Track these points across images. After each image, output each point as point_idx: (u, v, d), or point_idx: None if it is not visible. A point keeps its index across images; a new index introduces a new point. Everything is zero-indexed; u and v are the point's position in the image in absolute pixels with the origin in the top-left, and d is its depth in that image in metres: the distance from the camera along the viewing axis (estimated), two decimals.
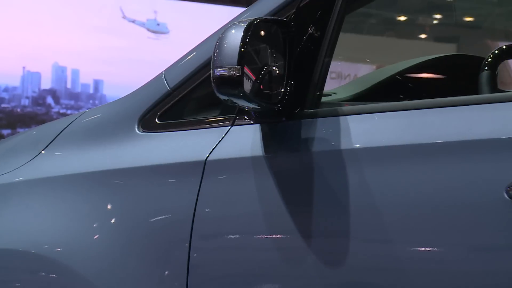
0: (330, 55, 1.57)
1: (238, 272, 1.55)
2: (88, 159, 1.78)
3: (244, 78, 1.41)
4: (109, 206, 1.68)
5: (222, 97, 1.45)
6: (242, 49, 1.40)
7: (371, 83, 2.04)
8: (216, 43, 1.45)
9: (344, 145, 1.47)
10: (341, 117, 1.51)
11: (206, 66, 1.70)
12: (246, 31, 1.42)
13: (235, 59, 1.40)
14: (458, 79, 2.26)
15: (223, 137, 1.62)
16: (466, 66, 2.28)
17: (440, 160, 1.38)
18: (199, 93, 1.74)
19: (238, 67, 1.40)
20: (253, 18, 1.48)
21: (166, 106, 1.74)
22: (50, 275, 1.71)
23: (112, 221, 1.66)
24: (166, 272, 1.60)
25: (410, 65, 2.20)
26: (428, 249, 1.37)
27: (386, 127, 1.45)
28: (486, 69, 1.85)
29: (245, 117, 1.62)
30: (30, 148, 1.92)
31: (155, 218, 1.63)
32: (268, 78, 1.50)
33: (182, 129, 1.70)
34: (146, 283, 1.61)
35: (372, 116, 1.49)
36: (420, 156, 1.39)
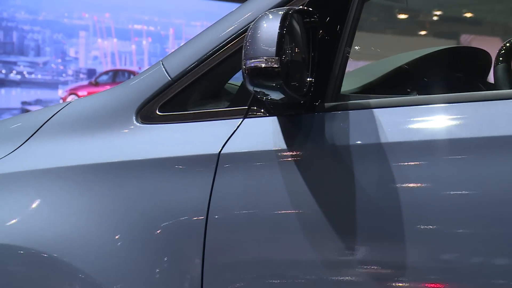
0: (349, 45, 1.54)
1: (256, 268, 1.49)
2: (82, 151, 1.68)
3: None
4: (110, 201, 1.58)
5: (254, 89, 1.40)
6: (282, 39, 1.36)
7: (378, 73, 2.01)
8: (247, 33, 1.40)
9: (368, 140, 1.44)
10: (365, 111, 1.47)
11: (211, 55, 1.64)
12: (283, 21, 1.37)
13: (273, 50, 1.35)
14: (463, 71, 2.27)
15: (236, 130, 1.55)
16: (472, 58, 2.30)
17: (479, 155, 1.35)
18: (204, 84, 1.67)
19: (277, 58, 1.35)
20: (286, 7, 1.43)
21: (168, 97, 1.66)
22: (49, 271, 1.60)
23: (115, 215, 1.57)
24: (178, 267, 1.53)
25: (417, 56, 2.18)
26: (478, 246, 1.34)
27: (417, 121, 1.43)
28: (501, 62, 1.85)
29: (259, 109, 1.56)
30: (8, 140, 1.80)
31: (164, 212, 1.55)
32: (295, 69, 1.45)
33: (187, 121, 1.63)
34: (156, 280, 1.52)
35: (398, 110, 1.46)
36: (448, 152, 1.38)
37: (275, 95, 1.41)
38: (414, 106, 1.45)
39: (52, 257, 1.57)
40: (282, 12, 1.39)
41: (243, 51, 1.40)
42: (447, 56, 2.31)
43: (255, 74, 1.37)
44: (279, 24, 1.36)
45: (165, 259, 1.53)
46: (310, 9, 1.52)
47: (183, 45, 1.75)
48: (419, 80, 2.09)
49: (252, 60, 1.37)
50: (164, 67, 1.70)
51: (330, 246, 1.43)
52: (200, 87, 1.67)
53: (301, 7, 1.52)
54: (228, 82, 1.78)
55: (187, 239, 1.53)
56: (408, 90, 2.01)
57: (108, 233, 1.56)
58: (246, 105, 1.58)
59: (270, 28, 1.37)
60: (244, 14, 1.64)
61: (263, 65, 1.36)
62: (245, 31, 1.61)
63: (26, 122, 1.87)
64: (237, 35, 1.63)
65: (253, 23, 1.41)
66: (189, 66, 1.66)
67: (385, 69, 2.04)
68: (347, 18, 1.53)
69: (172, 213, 1.54)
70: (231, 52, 1.63)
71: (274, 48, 1.35)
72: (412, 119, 1.43)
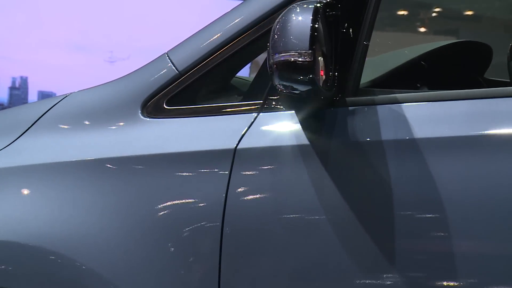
0: (368, 38, 1.50)
1: (276, 268, 1.45)
2: (84, 145, 1.61)
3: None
4: (116, 197, 1.52)
5: (283, 83, 1.37)
6: (315, 33, 1.33)
7: (390, 66, 1.98)
8: (275, 26, 1.37)
9: (393, 136, 1.41)
10: (387, 106, 1.45)
11: (221, 48, 1.59)
12: (315, 14, 1.34)
13: (306, 43, 1.32)
14: (469, 66, 2.26)
15: (251, 124, 1.51)
16: (477, 52, 2.29)
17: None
18: (213, 77, 1.62)
19: (310, 51, 1.32)
20: (312, 0, 1.39)
21: (176, 91, 1.61)
22: (54, 269, 1.53)
23: (123, 212, 1.51)
24: (193, 265, 1.48)
25: (428, 50, 2.16)
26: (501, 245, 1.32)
27: (447, 116, 1.41)
28: None
29: (275, 103, 1.52)
30: (2, 134, 1.72)
31: (177, 209, 1.49)
32: (323, 63, 1.41)
33: (198, 115, 1.58)
34: (169, 279, 1.47)
35: (422, 105, 1.44)
36: (479, 148, 1.36)
37: (304, 89, 1.37)
38: (438, 102, 1.43)
39: (57, 254, 1.51)
40: (314, 5, 1.35)
41: (269, 45, 1.36)
42: (461, 50, 2.30)
43: (286, 68, 1.34)
44: (311, 17, 1.33)
45: (180, 257, 1.47)
46: (334, 2, 1.48)
47: (190, 37, 1.69)
48: (431, 74, 2.08)
49: (282, 54, 1.33)
50: (170, 60, 1.64)
51: (353, 245, 1.40)
52: (209, 81, 1.62)
53: (325, 0, 1.48)
54: (235, 76, 1.74)
55: (202, 236, 1.47)
56: (419, 84, 1.99)
57: (116, 230, 1.50)
58: (260, 99, 1.53)
59: (301, 21, 1.33)
60: (257, 7, 1.59)
61: (294, 59, 1.33)
62: (258, 23, 1.57)
63: (21, 115, 1.79)
64: (249, 27, 1.58)
65: (280, 16, 1.38)
66: (198, 59, 1.60)
67: (395, 62, 2.01)
68: (366, 11, 1.50)
69: (185, 209, 1.49)
70: (242, 46, 1.59)
71: (307, 42, 1.32)
72: (436, 114, 1.41)
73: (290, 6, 1.38)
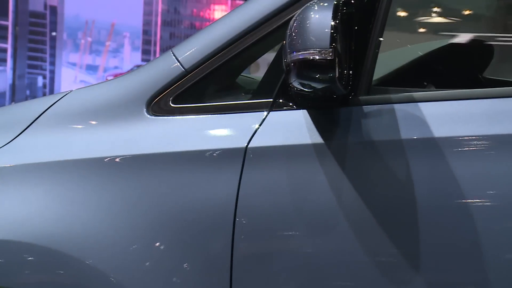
0: (380, 36, 1.49)
1: (288, 266, 1.42)
2: (87, 144, 1.57)
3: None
4: (121, 196, 1.48)
5: (301, 81, 1.35)
6: (335, 32, 1.31)
7: (399, 63, 1.96)
8: (292, 25, 1.35)
9: (408, 135, 1.40)
10: (401, 105, 1.43)
11: (229, 46, 1.56)
12: (336, 11, 1.32)
13: (326, 41, 1.31)
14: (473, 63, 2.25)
15: (262, 123, 1.48)
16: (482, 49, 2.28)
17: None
18: (220, 75, 1.59)
19: (330, 49, 1.30)
20: None
21: (182, 89, 1.57)
22: (60, 269, 1.49)
23: (132, 211, 1.47)
24: (204, 266, 1.44)
25: (437, 47, 2.15)
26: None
27: (464, 115, 1.39)
28: None
29: (286, 102, 1.49)
30: (1, 132, 1.67)
31: (187, 209, 1.46)
32: (341, 61, 1.39)
33: (205, 113, 1.54)
34: (180, 278, 1.43)
35: (436, 104, 1.43)
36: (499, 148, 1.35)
37: (321, 88, 1.35)
38: (451, 101, 1.42)
39: (63, 254, 1.47)
40: (334, 2, 1.34)
41: (286, 43, 1.35)
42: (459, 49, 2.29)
43: (305, 66, 1.32)
44: (331, 15, 1.32)
45: (190, 258, 1.44)
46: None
47: (196, 34, 1.66)
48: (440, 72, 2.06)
49: (301, 52, 1.32)
50: (175, 57, 1.61)
51: (369, 246, 1.38)
52: (217, 79, 1.59)
53: None
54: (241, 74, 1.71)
55: (213, 236, 1.45)
56: (425, 83, 1.97)
57: (122, 230, 1.46)
58: (270, 97, 1.51)
59: (321, 19, 1.32)
60: (266, 4, 1.57)
61: (314, 57, 1.31)
62: (266, 21, 1.55)
63: (19, 113, 1.74)
64: (257, 25, 1.55)
65: (297, 14, 1.36)
66: (205, 57, 1.57)
67: (401, 60, 2.00)
68: (379, 8, 1.49)
69: (196, 209, 1.46)
70: (250, 43, 1.56)
71: (328, 40, 1.31)
72: (454, 113, 1.40)
73: (307, 4, 1.37)
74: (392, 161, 1.39)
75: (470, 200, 1.33)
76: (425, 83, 1.96)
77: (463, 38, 2.38)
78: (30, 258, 1.49)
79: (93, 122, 1.59)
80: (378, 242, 1.37)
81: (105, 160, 1.52)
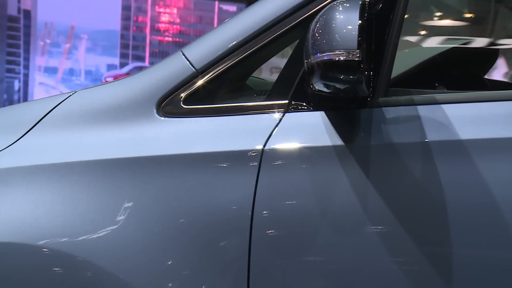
0: (397, 37, 1.48)
1: (306, 270, 1.41)
2: (97, 144, 1.54)
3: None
4: (132, 199, 1.45)
5: (325, 83, 1.33)
6: (363, 32, 1.30)
7: (411, 64, 1.95)
8: (315, 25, 1.33)
9: (429, 137, 1.39)
10: (420, 106, 1.43)
11: (241, 47, 1.55)
12: (362, 11, 1.31)
13: (354, 42, 1.29)
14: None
15: (278, 124, 1.46)
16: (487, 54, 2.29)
17: None
18: (234, 76, 1.57)
19: (358, 50, 1.28)
20: None
21: (193, 90, 1.55)
22: (69, 272, 1.46)
23: (143, 214, 1.44)
24: (221, 268, 1.42)
25: (448, 48, 2.14)
26: None
27: (486, 117, 1.38)
28: None
29: (302, 103, 1.47)
30: (4, 133, 1.63)
31: (202, 211, 1.44)
32: (365, 63, 1.38)
33: (218, 114, 1.52)
34: (197, 283, 1.41)
35: (455, 106, 1.42)
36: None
37: (345, 89, 1.33)
38: (472, 103, 1.43)
39: (71, 257, 1.44)
40: (360, 2, 1.32)
41: (309, 44, 1.33)
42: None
43: (330, 67, 1.30)
44: (358, 15, 1.30)
45: (205, 262, 1.41)
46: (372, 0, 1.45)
47: (206, 34, 1.63)
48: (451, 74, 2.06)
49: (326, 53, 1.30)
50: (186, 58, 1.58)
51: (390, 248, 1.37)
52: (229, 80, 1.57)
53: None
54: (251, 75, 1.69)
55: (230, 240, 1.42)
56: (437, 84, 1.97)
57: (134, 233, 1.44)
58: (285, 99, 1.48)
59: (348, 19, 1.30)
60: (278, 4, 1.54)
61: (341, 58, 1.29)
62: (280, 21, 1.53)
63: (24, 113, 1.71)
64: (271, 26, 1.54)
65: (320, 15, 1.34)
66: (217, 57, 1.55)
67: (412, 61, 1.99)
68: (396, 9, 1.47)
69: (211, 212, 1.43)
70: (262, 44, 1.54)
71: (355, 40, 1.29)
72: (476, 115, 1.40)
73: (330, 5, 1.35)
74: (415, 163, 1.37)
75: (497, 203, 1.31)
76: (436, 84, 1.96)
77: (477, 41, 2.38)
78: (39, 261, 1.46)
79: (102, 123, 1.56)
80: (401, 245, 1.35)
81: (116, 161, 1.49)
